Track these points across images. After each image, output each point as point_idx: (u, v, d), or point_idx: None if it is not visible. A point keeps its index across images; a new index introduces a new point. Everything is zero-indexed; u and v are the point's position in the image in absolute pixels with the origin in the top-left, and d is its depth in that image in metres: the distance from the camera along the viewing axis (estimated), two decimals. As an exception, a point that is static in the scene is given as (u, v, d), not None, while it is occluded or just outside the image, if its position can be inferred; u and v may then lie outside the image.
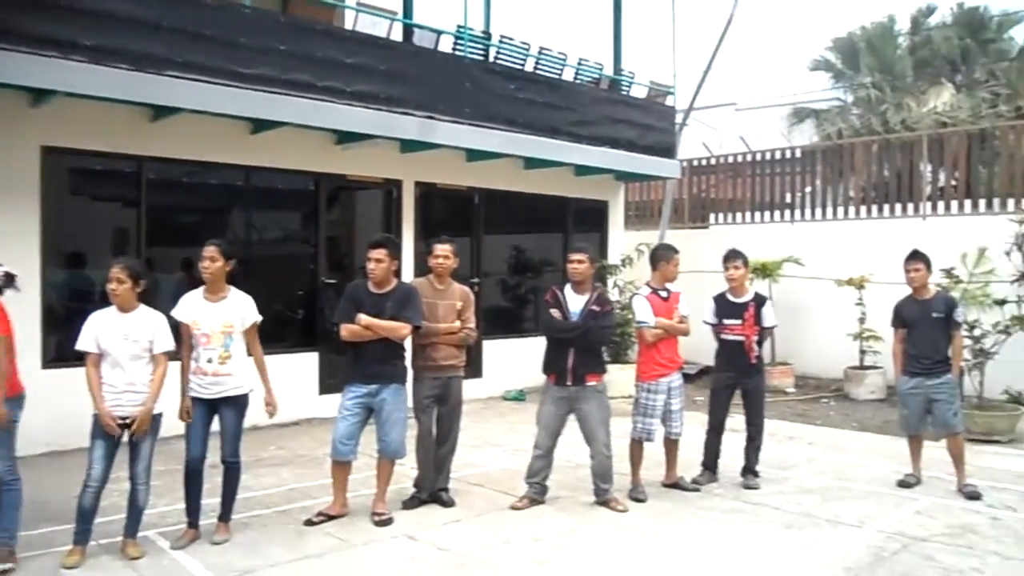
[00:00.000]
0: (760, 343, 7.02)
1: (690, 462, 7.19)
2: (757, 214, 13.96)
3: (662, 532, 5.87)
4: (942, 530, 5.97)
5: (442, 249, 6.45)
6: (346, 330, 5.90)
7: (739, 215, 14.21)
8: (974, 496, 6.71)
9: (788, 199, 13.75)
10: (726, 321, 6.98)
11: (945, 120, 15.32)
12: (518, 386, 11.01)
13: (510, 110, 10.46)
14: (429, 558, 5.29)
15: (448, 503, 6.37)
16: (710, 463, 7.16)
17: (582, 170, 11.83)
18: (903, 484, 7.06)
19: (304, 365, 9.45)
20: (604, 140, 11.53)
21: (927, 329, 6.90)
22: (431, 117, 9.55)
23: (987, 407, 8.61)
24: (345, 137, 9.46)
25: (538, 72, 11.20)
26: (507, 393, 11.13)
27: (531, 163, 11.21)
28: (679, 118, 13.27)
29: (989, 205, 11.45)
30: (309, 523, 5.83)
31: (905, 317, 7.04)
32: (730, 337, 7.00)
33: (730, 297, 7.08)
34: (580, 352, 6.25)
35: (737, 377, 7.03)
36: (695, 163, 14.90)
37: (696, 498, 6.71)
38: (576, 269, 6.33)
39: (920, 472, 7.15)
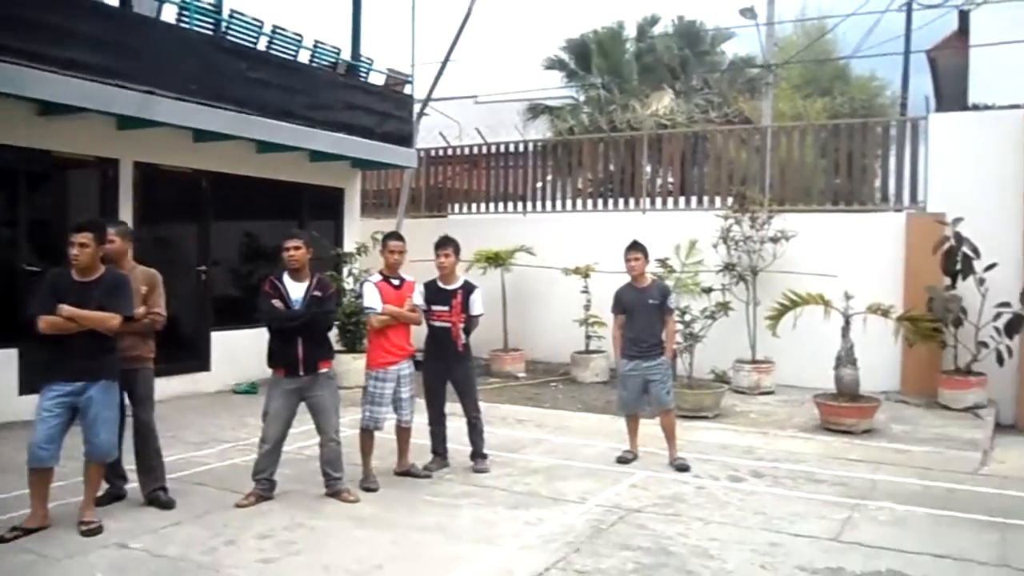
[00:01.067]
0: (467, 331, 7.12)
1: (424, 448, 7.22)
2: (492, 205, 14.31)
3: (393, 520, 5.83)
4: (654, 501, 6.42)
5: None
6: (44, 322, 5.32)
7: (476, 205, 14.50)
8: (683, 468, 7.27)
9: (522, 191, 14.21)
10: (434, 307, 7.00)
11: (665, 123, 16.51)
12: (249, 378, 10.53)
13: (241, 90, 9.96)
14: (141, 566, 4.89)
15: (167, 504, 5.94)
16: (439, 449, 7.22)
17: (318, 156, 11.51)
18: (622, 460, 7.51)
19: (2, 363, 8.48)
20: (340, 126, 11.29)
21: (644, 315, 7.39)
22: (151, 92, 8.85)
23: (696, 386, 9.37)
24: (51, 109, 8.53)
25: (272, 52, 10.75)
26: (237, 386, 10.62)
27: (264, 147, 10.74)
28: (417, 107, 13.30)
29: (700, 202, 12.48)
30: (2, 540, 5.20)
31: (624, 303, 7.50)
32: (438, 324, 7.05)
33: (440, 284, 7.12)
34: (308, 340, 6.08)
35: (445, 364, 7.09)
36: (433, 153, 15.01)
37: (427, 485, 6.75)
38: (293, 256, 6.12)
39: (637, 448, 7.64)
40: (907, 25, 18.39)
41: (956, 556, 5.35)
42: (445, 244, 7.12)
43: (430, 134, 14.80)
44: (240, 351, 10.49)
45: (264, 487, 6.17)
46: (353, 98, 11.79)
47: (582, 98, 21.95)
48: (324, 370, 6.20)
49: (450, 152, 15.05)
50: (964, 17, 17.85)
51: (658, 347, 7.40)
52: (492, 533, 5.61)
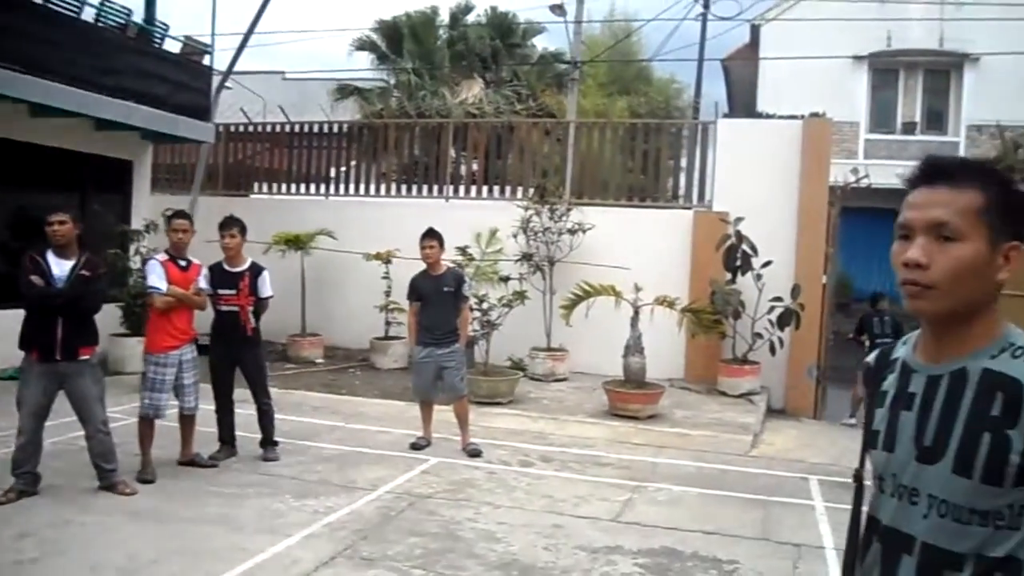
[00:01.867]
0: (257, 315, 6.88)
1: (212, 437, 6.91)
2: (295, 186, 13.87)
3: (172, 513, 5.54)
4: (446, 486, 6.46)
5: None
6: None
7: (278, 186, 14.00)
8: (476, 454, 7.36)
9: (326, 173, 13.87)
10: (221, 291, 6.71)
11: (473, 112, 16.63)
12: (16, 363, 9.64)
13: (12, 45, 9.06)
14: None
15: None
16: (227, 437, 6.93)
17: (104, 125, 10.67)
18: (415, 447, 7.50)
19: None
20: (129, 93, 10.50)
21: (438, 302, 7.40)
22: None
23: (492, 373, 9.50)
24: None
25: (51, 5, 9.85)
26: (2, 372, 9.71)
27: (39, 110, 9.84)
28: (217, 80, 12.65)
29: (503, 192, 12.66)
30: None
31: (419, 291, 7.48)
32: (225, 308, 6.77)
33: (226, 267, 6.82)
34: (69, 323, 5.60)
35: (234, 349, 6.83)
36: (233, 129, 14.34)
37: (212, 475, 6.47)
38: (57, 231, 5.64)
39: (431, 435, 7.66)
40: (702, 34, 19.49)
41: (724, 532, 5.73)
42: (230, 225, 6.82)
43: (231, 109, 14.15)
44: (10, 333, 9.59)
45: (26, 482, 5.66)
46: (144, 65, 11.03)
47: (392, 82, 21.72)
48: (85, 357, 5.71)
49: (252, 129, 14.44)
50: (755, 30, 19.16)
51: (452, 335, 7.44)
52: (278, 523, 5.44)
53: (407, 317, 7.83)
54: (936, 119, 20.46)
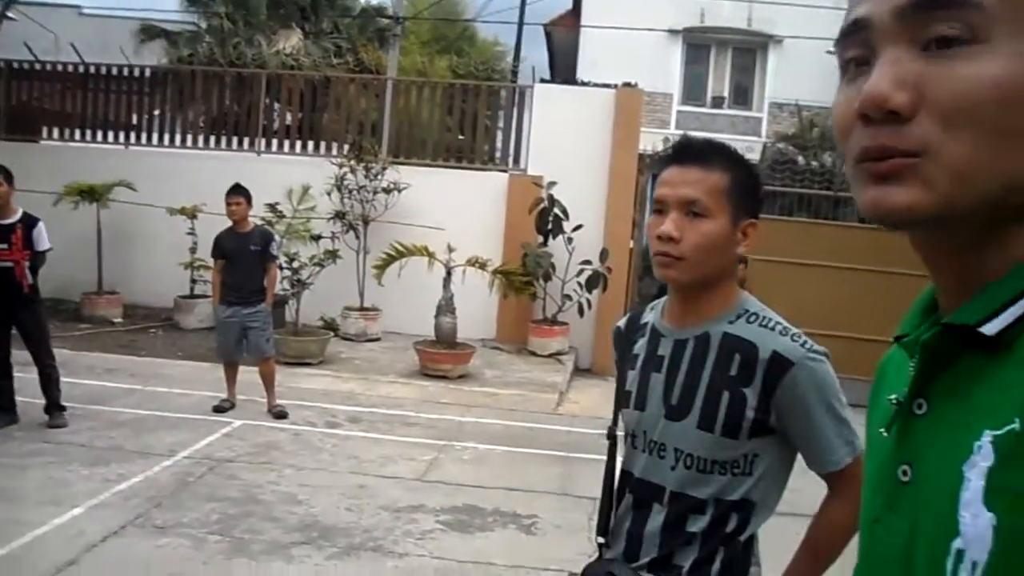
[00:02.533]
0: (34, 270, 6.43)
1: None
2: (91, 133, 12.89)
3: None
4: (248, 450, 6.32)
5: None
6: None
7: (71, 132, 12.96)
8: (282, 415, 7.23)
9: (129, 121, 12.99)
10: None
11: (290, 63, 16.02)
12: None
13: None
14: None
15: None
16: (5, 403, 6.44)
17: None
18: (218, 409, 7.27)
19: None
20: None
21: (245, 261, 7.17)
22: None
23: (302, 333, 9.32)
24: None
25: None
26: None
27: None
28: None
29: (317, 148, 12.30)
30: None
31: (224, 249, 7.21)
32: None
33: None
34: None
35: (9, 309, 6.36)
36: (17, 66, 13.08)
37: (-11, 444, 6.02)
38: None
39: (235, 396, 7.44)
40: (522, -3, 19.65)
41: (525, 488, 5.94)
42: None
43: (15, 43, 12.93)
44: None
45: None
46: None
47: (204, 26, 20.57)
48: None
49: (40, 68, 13.24)
50: (577, -2, 19.53)
51: (258, 294, 7.24)
52: (64, 493, 5.15)
53: (211, 275, 7.52)
54: (743, 95, 21.66)
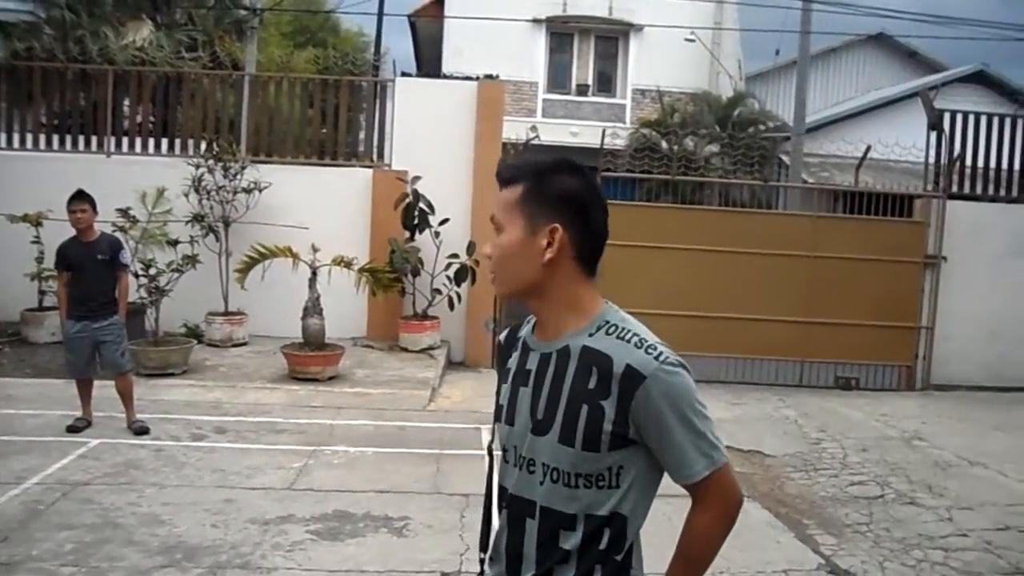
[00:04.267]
0: None
1: None
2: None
3: None
4: (106, 470, 6.06)
5: None
6: None
7: None
8: (143, 431, 6.97)
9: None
10: None
11: (142, 57, 15.30)
12: None
13: None
14: None
15: None
16: None
17: None
18: (73, 429, 6.93)
19: None
20: None
21: (92, 271, 6.84)
22: None
23: (163, 342, 8.97)
24: None
25: None
26: None
27: None
28: None
29: (172, 148, 11.83)
30: None
31: (70, 259, 6.86)
32: None
33: None
34: None
35: None
36: None
37: None
38: None
39: (91, 414, 7.11)
40: (383, -12, 19.41)
41: (397, 489, 5.93)
42: None
43: None
44: None
45: None
46: None
47: (43, 16, 19.40)
48: None
49: None
50: (442, -13, 19.44)
51: (110, 306, 6.92)
52: None
53: (57, 288, 7.14)
54: (606, 82, 22.06)
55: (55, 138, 11.97)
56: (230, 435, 7.10)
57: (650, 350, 1.68)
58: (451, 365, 10.65)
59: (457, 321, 10.89)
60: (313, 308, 8.94)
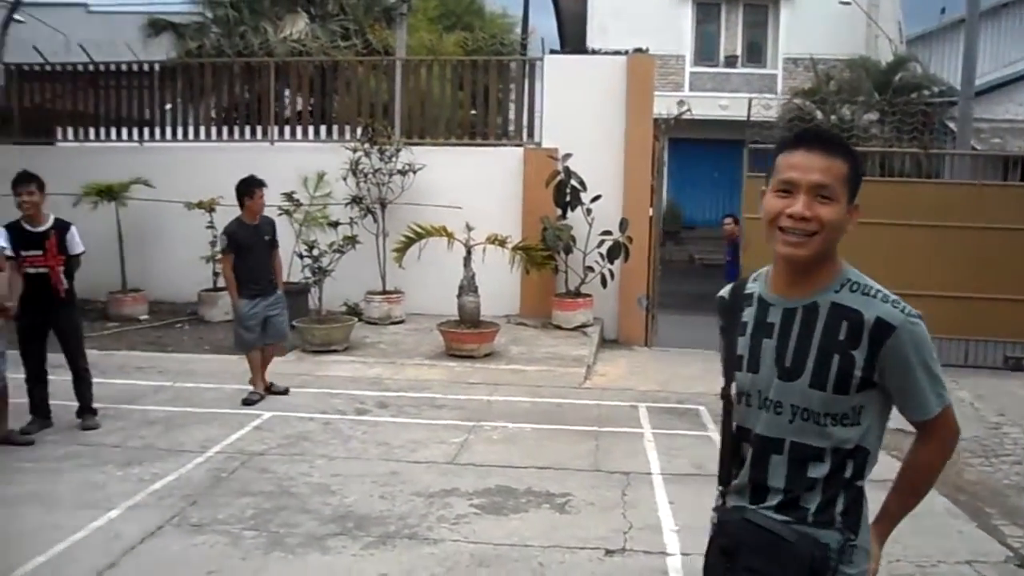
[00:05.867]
0: (69, 275, 6.47)
1: (23, 409, 6.45)
2: (105, 131, 12.91)
3: (-22, 495, 5.17)
4: (279, 441, 6.33)
5: None
6: None
7: (85, 132, 12.97)
8: (283, 392, 7.53)
9: (140, 117, 12.98)
10: (25, 253, 6.23)
11: (298, 49, 15.91)
12: None
13: None
14: None
15: None
16: (38, 409, 6.48)
17: None
18: (248, 402, 7.30)
19: None
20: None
21: (259, 252, 7.33)
22: None
23: (326, 320, 9.32)
24: None
25: None
26: None
27: None
28: (4, 13, 11.54)
29: (330, 133, 12.27)
30: None
31: (240, 241, 7.22)
32: (32, 270, 6.28)
33: (27, 227, 6.31)
34: None
35: (46, 314, 6.38)
36: (28, 68, 13.09)
37: (25, 450, 6.06)
38: None
39: (262, 387, 7.47)
40: (528, -34, 19.38)
41: (557, 466, 5.91)
42: (27, 181, 6.29)
43: (23, 46, 12.92)
44: None
45: None
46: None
47: (210, 16, 20.49)
48: None
49: (49, 69, 13.22)
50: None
51: (273, 282, 7.44)
52: (99, 496, 5.19)
53: (224, 270, 7.52)
54: (756, 52, 21.33)
55: (224, 129, 12.60)
56: (392, 410, 7.29)
57: (895, 304, 1.90)
58: (604, 343, 10.57)
59: (610, 299, 10.79)
60: (468, 286, 9.05)
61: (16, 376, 6.31)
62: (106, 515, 4.88)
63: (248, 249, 7.22)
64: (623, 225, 10.33)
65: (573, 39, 22.62)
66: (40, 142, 12.71)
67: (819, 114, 16.29)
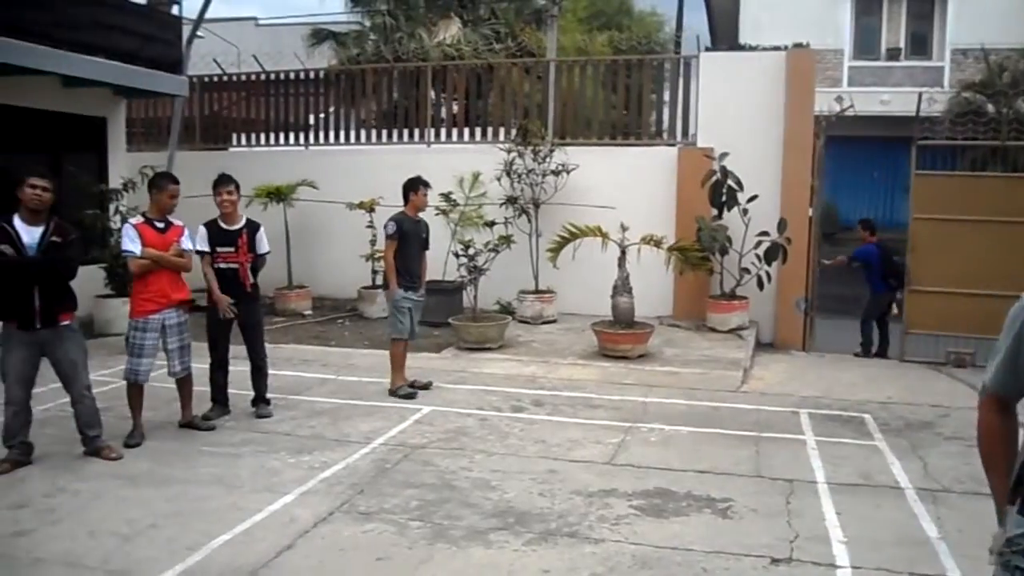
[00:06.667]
0: (255, 271, 6.86)
1: (204, 396, 6.88)
2: (274, 137, 13.66)
3: (168, 476, 5.54)
4: (440, 436, 6.48)
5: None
6: None
7: (256, 137, 13.77)
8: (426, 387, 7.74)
9: (304, 122, 13.65)
10: (220, 249, 6.66)
11: (452, 53, 16.29)
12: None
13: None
14: None
15: None
16: (219, 397, 6.90)
17: (72, 81, 10.43)
18: (408, 395, 7.51)
19: None
20: (96, 48, 10.20)
21: (416, 247, 7.59)
22: None
23: (480, 318, 9.48)
24: None
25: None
26: None
27: (2, 70, 9.58)
28: (188, 30, 12.33)
29: (484, 135, 12.49)
30: None
31: (404, 231, 7.47)
32: (224, 266, 6.70)
33: (222, 224, 6.74)
34: (46, 290, 5.49)
35: (233, 307, 6.75)
36: (207, 80, 14.04)
37: (206, 435, 6.44)
38: (41, 197, 5.47)
39: (406, 381, 7.70)
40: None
41: (716, 470, 5.78)
42: (227, 182, 6.74)
43: (203, 60, 13.82)
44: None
45: (20, 451, 5.63)
46: (109, 17, 10.69)
47: (367, 24, 21.26)
48: (66, 322, 5.64)
49: (226, 80, 14.11)
50: (736, -41, 18.81)
51: (421, 279, 7.73)
52: (275, 481, 5.45)
53: (386, 255, 7.63)
54: (920, 44, 20.25)
55: (383, 132, 13.03)
56: (547, 408, 7.33)
57: None
58: (760, 346, 10.28)
59: (766, 301, 10.49)
60: (623, 287, 9.00)
61: (198, 366, 6.71)
62: (281, 499, 5.12)
63: (409, 242, 7.48)
64: (781, 225, 10.03)
65: (724, 35, 22.14)
66: (216, 147, 13.54)
67: (990, 107, 15.29)
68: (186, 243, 6.37)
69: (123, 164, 11.85)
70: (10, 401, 5.58)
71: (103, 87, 10.98)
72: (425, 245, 7.75)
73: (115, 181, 11.22)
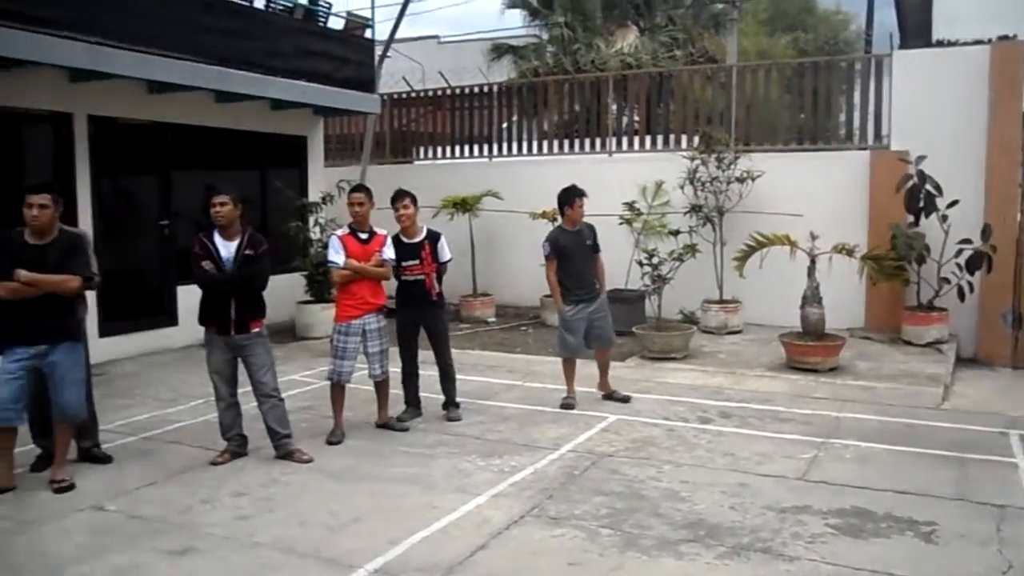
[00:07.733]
0: (439, 279, 7.14)
1: (401, 399, 7.24)
2: (458, 149, 14.16)
3: (367, 473, 5.88)
4: (627, 444, 6.51)
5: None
6: (3, 288, 5.25)
7: (441, 150, 14.33)
8: (626, 400, 7.65)
9: (487, 134, 14.06)
10: (404, 263, 6.95)
11: (630, 62, 16.33)
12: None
13: (196, 38, 9.67)
14: (118, 528, 4.89)
15: (105, 459, 6.05)
16: (412, 400, 7.25)
17: (278, 104, 11.28)
18: (567, 406, 7.55)
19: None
20: (300, 73, 11.04)
21: (582, 257, 7.53)
22: (102, 43, 8.56)
23: (664, 328, 9.44)
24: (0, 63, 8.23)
25: (229, -1, 10.45)
26: (206, 340, 10.53)
27: (222, 96, 10.49)
28: (378, 51, 13.03)
29: (666, 143, 12.43)
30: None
31: (562, 247, 7.50)
32: (410, 278, 7.00)
33: (404, 238, 7.01)
34: (241, 301, 5.97)
35: (420, 315, 7.08)
36: (396, 97, 14.75)
37: (401, 435, 6.78)
38: (219, 212, 5.91)
39: (575, 392, 7.74)
40: (871, -42, 18.26)
41: (918, 492, 5.50)
42: (403, 196, 7.03)
43: (392, 78, 14.53)
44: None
45: (237, 443, 6.17)
46: (311, 44, 11.51)
47: (546, 37, 21.62)
48: (256, 330, 6.07)
49: (414, 96, 14.78)
50: (928, -50, 17.77)
51: (595, 287, 7.61)
52: (467, 482, 5.66)
53: (547, 274, 7.69)
54: None
55: (564, 143, 13.23)
56: (735, 420, 7.21)
57: None
58: (961, 361, 9.66)
59: (968, 313, 9.85)
60: (812, 297, 8.72)
61: (392, 370, 7.07)
62: (474, 500, 5.31)
63: (570, 256, 7.47)
64: (985, 232, 9.39)
65: (915, 31, 20.91)
66: (403, 160, 14.20)
67: None
68: (388, 252, 6.74)
69: (321, 179, 12.66)
70: (219, 397, 6.13)
71: (305, 108, 11.78)
72: (594, 249, 7.62)
73: (314, 195, 12.00)
